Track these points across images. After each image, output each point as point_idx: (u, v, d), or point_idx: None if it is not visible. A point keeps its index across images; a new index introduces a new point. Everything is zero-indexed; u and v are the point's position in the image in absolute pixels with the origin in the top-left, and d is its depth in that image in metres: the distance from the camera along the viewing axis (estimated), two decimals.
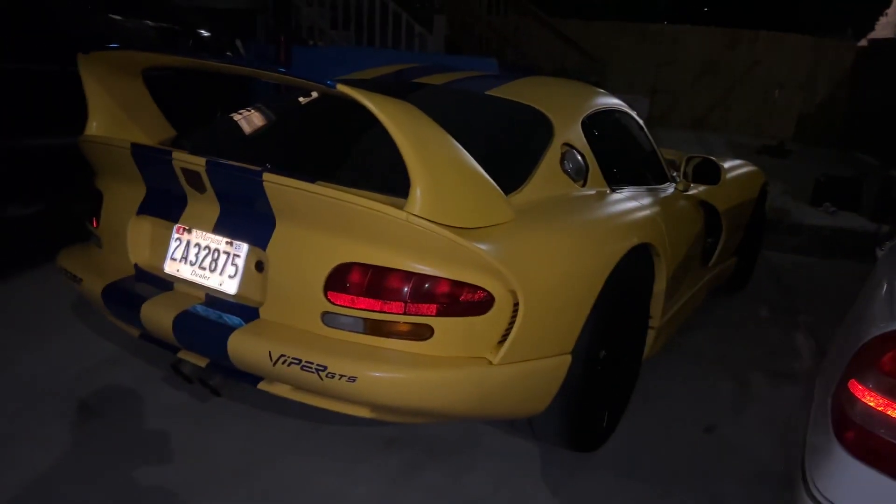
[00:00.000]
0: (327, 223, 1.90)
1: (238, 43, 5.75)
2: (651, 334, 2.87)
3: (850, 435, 1.34)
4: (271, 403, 2.50)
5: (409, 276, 1.86)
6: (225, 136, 2.44)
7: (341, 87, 1.77)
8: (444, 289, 1.88)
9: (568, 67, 9.89)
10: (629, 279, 2.51)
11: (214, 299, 2.09)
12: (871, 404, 1.29)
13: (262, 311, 2.00)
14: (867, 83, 11.33)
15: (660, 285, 2.80)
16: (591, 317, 2.24)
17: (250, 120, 2.58)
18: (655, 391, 3.08)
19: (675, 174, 3.34)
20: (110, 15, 4.90)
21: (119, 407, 2.60)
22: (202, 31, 4.87)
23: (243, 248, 2.06)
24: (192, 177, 2.02)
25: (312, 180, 1.93)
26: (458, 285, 1.88)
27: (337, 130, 2.41)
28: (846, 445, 1.35)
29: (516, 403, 2.14)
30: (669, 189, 3.22)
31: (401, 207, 1.79)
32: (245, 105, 2.67)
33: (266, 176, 1.88)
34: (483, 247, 1.86)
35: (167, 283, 2.18)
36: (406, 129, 1.79)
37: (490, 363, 1.96)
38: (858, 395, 1.32)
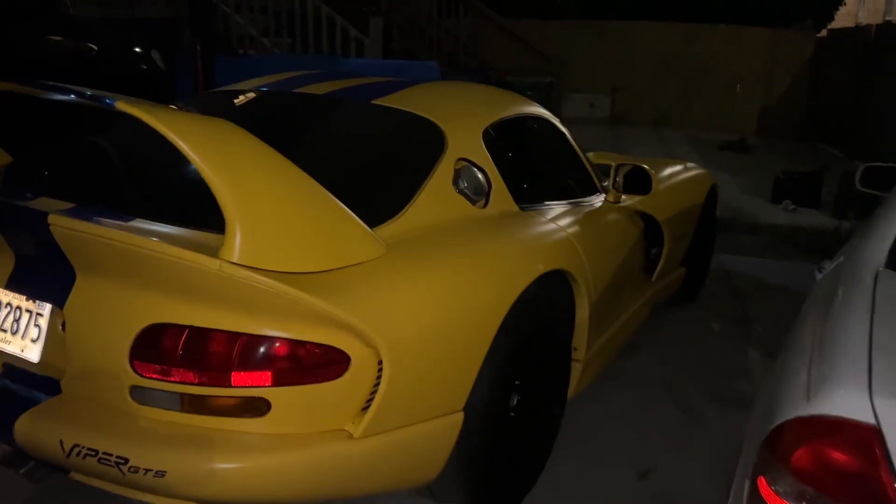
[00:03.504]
0: (134, 276, 1.53)
1: (155, 55, 5.34)
2: (577, 368, 2.53)
3: None
4: None
5: (233, 337, 1.49)
6: (49, 166, 2.06)
7: (121, 105, 1.41)
8: (281, 351, 1.51)
9: (523, 69, 9.59)
10: (540, 313, 2.17)
11: (13, 369, 1.71)
12: None
13: (63, 385, 1.62)
14: (828, 74, 11.17)
15: (582, 314, 2.45)
16: (487, 364, 1.89)
17: (87, 144, 2.20)
18: (586, 428, 2.73)
19: (605, 184, 3.01)
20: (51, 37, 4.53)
21: None
22: (91, 45, 4.45)
23: (46, 306, 1.68)
24: None
25: (128, 218, 1.57)
26: (299, 345, 1.52)
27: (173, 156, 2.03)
28: None
29: (395, 477, 1.79)
30: (598, 202, 2.89)
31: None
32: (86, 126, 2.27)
33: (52, 219, 1.50)
34: (329, 295, 1.50)
35: None
36: (212, 154, 1.43)
37: (351, 436, 1.61)
38: (767, 499, 0.98)
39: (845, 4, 13.91)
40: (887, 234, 1.41)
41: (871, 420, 0.93)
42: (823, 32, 12.52)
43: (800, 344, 1.25)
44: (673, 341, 3.66)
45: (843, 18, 14.21)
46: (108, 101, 1.42)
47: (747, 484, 1.15)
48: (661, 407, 2.99)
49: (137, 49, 5.21)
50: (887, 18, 12.20)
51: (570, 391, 2.53)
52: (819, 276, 1.78)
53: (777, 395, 1.13)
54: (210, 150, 1.43)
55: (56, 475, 1.73)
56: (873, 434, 0.93)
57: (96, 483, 1.61)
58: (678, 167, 3.95)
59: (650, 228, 3.22)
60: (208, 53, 5.28)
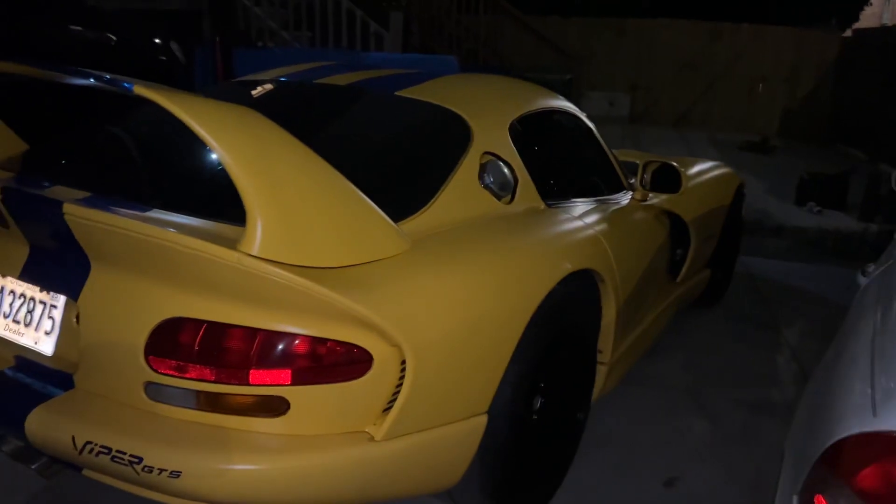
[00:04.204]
0: (150, 268, 1.48)
1: (174, 46, 5.30)
2: (602, 371, 2.45)
3: None
4: None
5: (252, 333, 1.43)
6: (66, 154, 2.01)
7: (139, 90, 1.35)
8: (301, 348, 1.45)
9: (543, 65, 9.49)
10: (566, 313, 2.09)
11: (27, 362, 1.66)
12: None
13: (77, 380, 1.57)
14: (853, 75, 10.96)
15: (609, 315, 2.37)
16: (513, 366, 1.82)
17: (105, 132, 2.14)
18: (610, 434, 2.66)
19: (632, 181, 2.92)
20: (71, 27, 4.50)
21: None
22: (110, 35, 4.42)
23: (60, 297, 1.63)
24: None
25: (145, 209, 1.52)
26: (320, 343, 1.46)
27: (192, 144, 1.97)
28: None
29: (417, 482, 1.72)
30: (624, 200, 2.80)
31: None
32: (109, 114, 2.22)
33: (67, 208, 1.45)
34: (351, 291, 1.44)
35: None
36: (234, 142, 1.36)
37: (372, 439, 1.54)
38: None
39: (871, 4, 13.68)
40: None
41: None
42: (848, 33, 12.29)
43: (852, 354, 1.16)
44: (697, 346, 3.57)
45: (868, 19, 13.99)
46: (126, 85, 1.37)
47: (796, 500, 1.07)
48: (685, 413, 2.90)
49: (157, 40, 5.18)
50: None
51: (595, 394, 2.45)
52: (864, 280, 1.69)
53: (831, 408, 1.04)
54: (232, 137, 1.37)
55: (69, 471, 1.68)
56: None
57: (109, 481, 1.56)
58: (705, 166, 3.85)
59: (676, 228, 3.13)
60: (227, 46, 5.24)
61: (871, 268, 1.74)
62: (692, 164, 3.74)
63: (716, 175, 3.79)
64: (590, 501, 2.28)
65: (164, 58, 5.15)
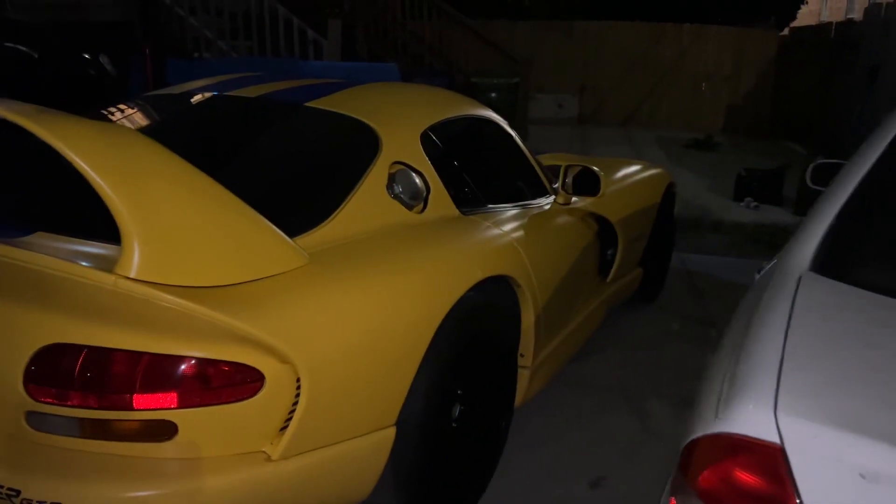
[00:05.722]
0: (27, 294, 1.43)
1: (104, 59, 5.20)
2: (524, 375, 2.46)
3: None
4: None
5: (135, 357, 1.40)
6: None
7: (1, 111, 1.30)
8: (187, 370, 1.42)
9: (490, 69, 9.53)
10: (480, 320, 2.09)
11: None
12: None
13: None
14: (792, 72, 11.27)
15: (528, 320, 2.38)
16: (422, 376, 1.81)
17: None
18: (540, 436, 2.67)
19: (556, 186, 2.95)
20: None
21: None
22: (29, 50, 4.31)
23: None
24: None
25: (28, 232, 1.47)
26: (207, 364, 1.43)
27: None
28: None
29: (321, 499, 1.70)
30: (546, 204, 2.82)
31: None
32: None
33: None
34: (237, 309, 1.41)
35: None
36: (102, 161, 1.33)
37: (269, 458, 1.52)
38: None
39: (807, 3, 14.09)
40: (815, 233, 1.36)
41: (775, 439, 0.87)
42: (786, 31, 12.64)
43: (718, 357, 1.19)
44: (632, 344, 3.61)
45: (806, 17, 14.40)
46: None
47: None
48: (617, 413, 2.93)
49: (85, 55, 5.08)
50: (849, 16, 12.36)
51: (518, 399, 2.46)
52: (757, 277, 1.73)
53: (694, 409, 1.06)
54: (100, 156, 1.33)
55: None
56: (777, 454, 0.86)
57: None
58: (634, 167, 3.91)
59: (604, 230, 3.17)
60: (159, 57, 5.15)
61: (765, 264, 1.78)
62: (620, 166, 3.79)
63: (644, 176, 3.85)
64: None
65: (92, 71, 5.05)
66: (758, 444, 0.88)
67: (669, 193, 4.04)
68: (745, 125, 11.70)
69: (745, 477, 0.88)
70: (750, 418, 0.91)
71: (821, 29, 10.91)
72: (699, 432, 0.95)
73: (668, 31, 12.21)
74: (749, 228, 5.84)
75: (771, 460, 0.86)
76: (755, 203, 6.24)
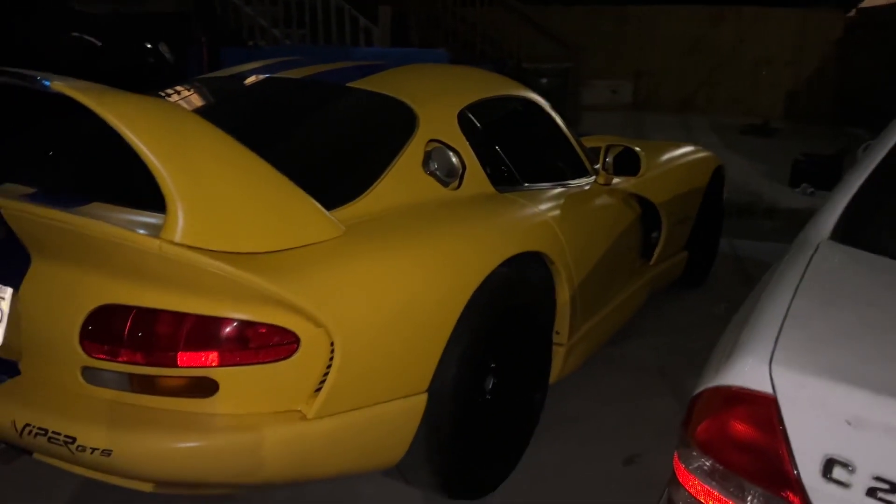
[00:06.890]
0: (83, 258, 1.55)
1: (163, 48, 5.40)
2: (560, 353, 2.49)
3: None
4: None
5: (179, 317, 1.50)
6: (20, 154, 2.08)
7: (56, 86, 1.41)
8: (227, 331, 1.51)
9: (542, 56, 9.48)
10: (512, 295, 2.13)
11: None
12: (690, 492, 0.92)
13: (22, 367, 1.64)
14: (857, 55, 10.83)
15: (563, 297, 2.41)
16: (452, 346, 1.87)
17: (56, 130, 2.22)
18: (574, 414, 2.69)
19: (597, 167, 2.95)
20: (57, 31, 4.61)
21: None
22: (93, 40, 4.52)
23: (7, 289, 1.71)
24: None
25: (85, 202, 1.59)
26: (246, 326, 1.52)
27: None
28: None
29: (354, 459, 1.78)
30: (586, 184, 2.83)
31: None
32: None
33: (3, 203, 1.52)
34: (273, 275, 1.50)
35: None
36: (149, 133, 1.42)
37: (304, 417, 1.60)
38: (680, 477, 0.95)
39: None
40: (839, 205, 1.35)
41: (768, 390, 0.89)
42: (853, 12, 12.13)
43: (735, 318, 1.20)
44: (674, 328, 3.59)
45: None
46: (44, 82, 1.43)
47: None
48: (654, 393, 2.93)
49: (147, 44, 5.29)
50: None
51: (553, 376, 2.49)
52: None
53: (703, 369, 1.09)
54: (148, 130, 1.43)
55: (24, 457, 1.76)
56: (770, 403, 0.89)
57: (53, 462, 1.63)
58: (681, 150, 3.86)
59: (648, 212, 3.15)
60: (215, 45, 5.32)
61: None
62: (667, 149, 3.75)
63: (690, 159, 3.80)
64: (546, 478, 2.32)
65: (152, 59, 5.26)
66: (752, 395, 0.90)
67: (717, 177, 3.98)
68: (806, 111, 11.30)
69: (740, 426, 0.91)
70: (747, 372, 0.93)
71: (891, 9, 10.45)
72: (701, 387, 0.98)
73: (727, 14, 11.86)
74: (804, 214, 5.60)
75: (765, 410, 0.88)
76: (811, 189, 6.06)
